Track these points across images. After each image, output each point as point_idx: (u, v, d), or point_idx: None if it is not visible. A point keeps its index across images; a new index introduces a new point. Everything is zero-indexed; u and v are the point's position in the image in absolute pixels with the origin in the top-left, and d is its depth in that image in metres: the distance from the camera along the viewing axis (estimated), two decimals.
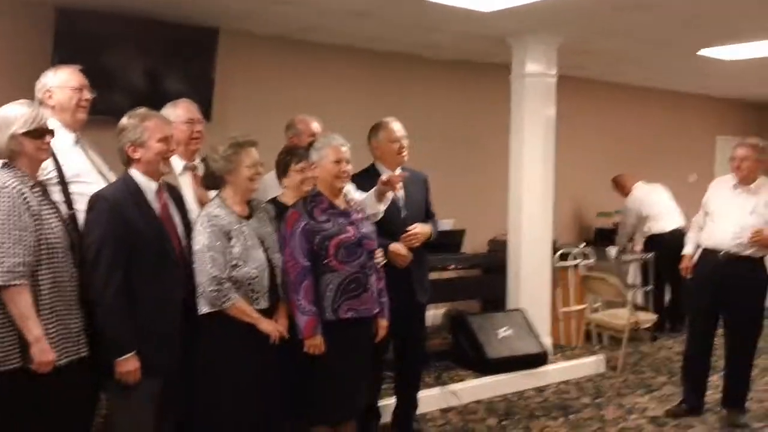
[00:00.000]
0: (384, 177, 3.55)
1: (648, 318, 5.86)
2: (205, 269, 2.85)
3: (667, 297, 6.72)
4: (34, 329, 2.45)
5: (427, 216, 4.01)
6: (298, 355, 3.05)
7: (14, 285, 2.43)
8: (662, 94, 8.37)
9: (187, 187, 3.30)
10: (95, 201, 2.75)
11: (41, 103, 3.03)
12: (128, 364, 2.70)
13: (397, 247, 3.73)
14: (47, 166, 2.81)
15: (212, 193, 3.12)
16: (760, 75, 7.07)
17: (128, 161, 2.84)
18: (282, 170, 3.45)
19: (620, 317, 5.64)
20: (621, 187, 7.06)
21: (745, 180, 4.26)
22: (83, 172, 3.00)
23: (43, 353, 2.46)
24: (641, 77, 7.57)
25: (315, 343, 3.06)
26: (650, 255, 6.59)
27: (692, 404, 4.53)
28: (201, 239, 2.88)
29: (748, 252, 4.18)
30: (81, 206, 2.84)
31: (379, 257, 3.38)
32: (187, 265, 2.88)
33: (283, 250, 3.09)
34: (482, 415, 4.55)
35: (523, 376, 5.09)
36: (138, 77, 4.90)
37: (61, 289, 2.58)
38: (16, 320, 2.45)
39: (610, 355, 5.67)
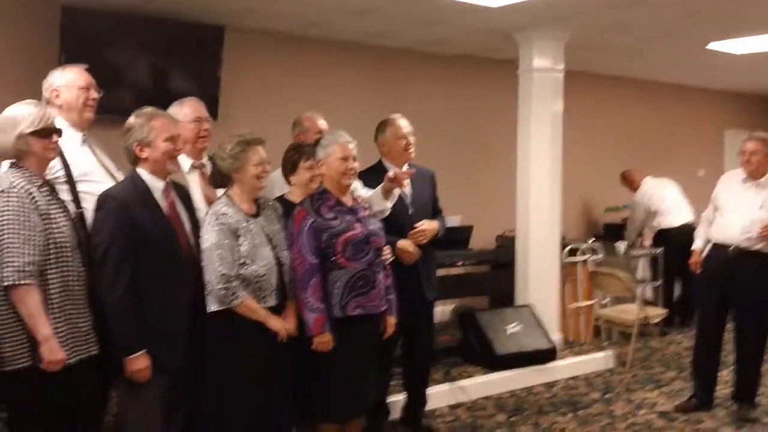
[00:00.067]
0: (390, 174, 3.55)
1: (657, 313, 5.84)
2: (213, 267, 2.85)
3: (677, 292, 6.70)
4: (42, 328, 2.46)
5: (435, 212, 4.00)
6: (307, 353, 3.06)
7: (23, 284, 2.44)
8: (671, 88, 8.32)
9: (195, 186, 3.30)
10: (103, 200, 2.75)
11: (48, 102, 3.04)
12: (138, 363, 2.71)
13: (405, 244, 3.72)
14: (55, 165, 2.81)
15: (220, 192, 3.12)
16: None
17: (135, 160, 2.85)
18: (290, 168, 3.44)
19: (629, 313, 5.62)
20: (629, 182, 7.03)
21: (755, 174, 4.23)
22: (91, 171, 3.01)
23: (53, 352, 2.47)
24: (649, 71, 7.53)
25: (324, 341, 3.06)
26: (659, 250, 6.57)
27: (702, 399, 4.52)
28: (209, 237, 2.88)
29: (757, 246, 4.15)
30: (89, 205, 2.85)
31: (387, 254, 3.38)
32: (195, 263, 2.88)
33: (291, 248, 3.09)
34: (491, 411, 4.55)
35: (532, 372, 5.08)
36: (144, 76, 4.91)
37: (70, 288, 2.59)
38: (25, 319, 2.46)
39: (619, 351, 5.65)
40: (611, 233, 7.24)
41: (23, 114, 2.59)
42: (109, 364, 2.72)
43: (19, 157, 2.58)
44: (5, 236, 2.45)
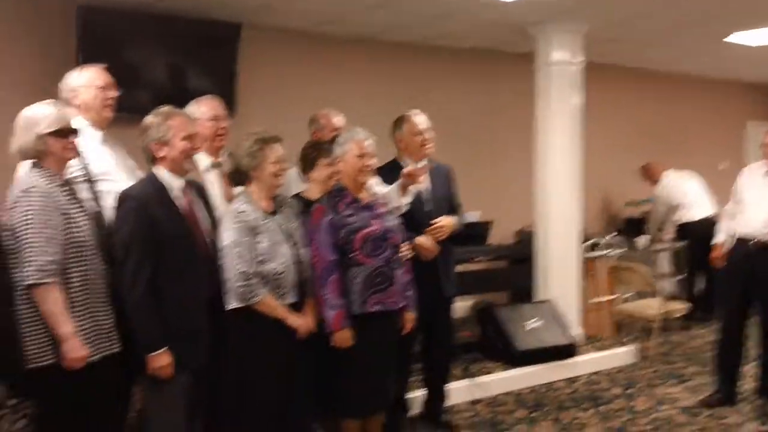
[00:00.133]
0: (406, 170, 3.54)
1: (679, 307, 5.79)
2: (232, 265, 2.86)
3: (700, 286, 6.63)
4: (64, 326, 2.48)
5: (453, 208, 3.98)
6: (326, 350, 3.06)
7: (45, 283, 2.47)
8: (691, 80, 8.21)
9: (213, 184, 3.31)
10: (123, 199, 2.77)
11: (67, 102, 3.05)
12: (161, 360, 2.72)
13: (423, 241, 3.71)
14: (74, 164, 2.83)
15: (238, 190, 3.13)
16: None
17: (153, 159, 2.86)
18: (309, 165, 3.44)
19: (651, 307, 5.57)
20: (650, 176, 6.96)
21: None
22: (110, 170, 3.03)
23: (75, 349, 2.50)
24: (668, 63, 7.44)
25: (344, 337, 3.06)
26: (681, 244, 6.50)
27: (726, 394, 4.47)
28: (228, 235, 2.89)
29: None
30: (108, 203, 2.86)
31: (406, 251, 3.37)
32: (213, 262, 2.89)
33: (309, 245, 3.09)
34: (511, 407, 4.53)
35: (553, 367, 5.05)
36: (161, 74, 4.93)
37: (92, 286, 2.62)
38: (47, 318, 2.48)
39: (640, 346, 5.60)
40: (632, 227, 7.17)
41: (42, 114, 2.62)
42: (132, 361, 2.74)
43: (39, 157, 2.61)
44: (28, 235, 2.48)
